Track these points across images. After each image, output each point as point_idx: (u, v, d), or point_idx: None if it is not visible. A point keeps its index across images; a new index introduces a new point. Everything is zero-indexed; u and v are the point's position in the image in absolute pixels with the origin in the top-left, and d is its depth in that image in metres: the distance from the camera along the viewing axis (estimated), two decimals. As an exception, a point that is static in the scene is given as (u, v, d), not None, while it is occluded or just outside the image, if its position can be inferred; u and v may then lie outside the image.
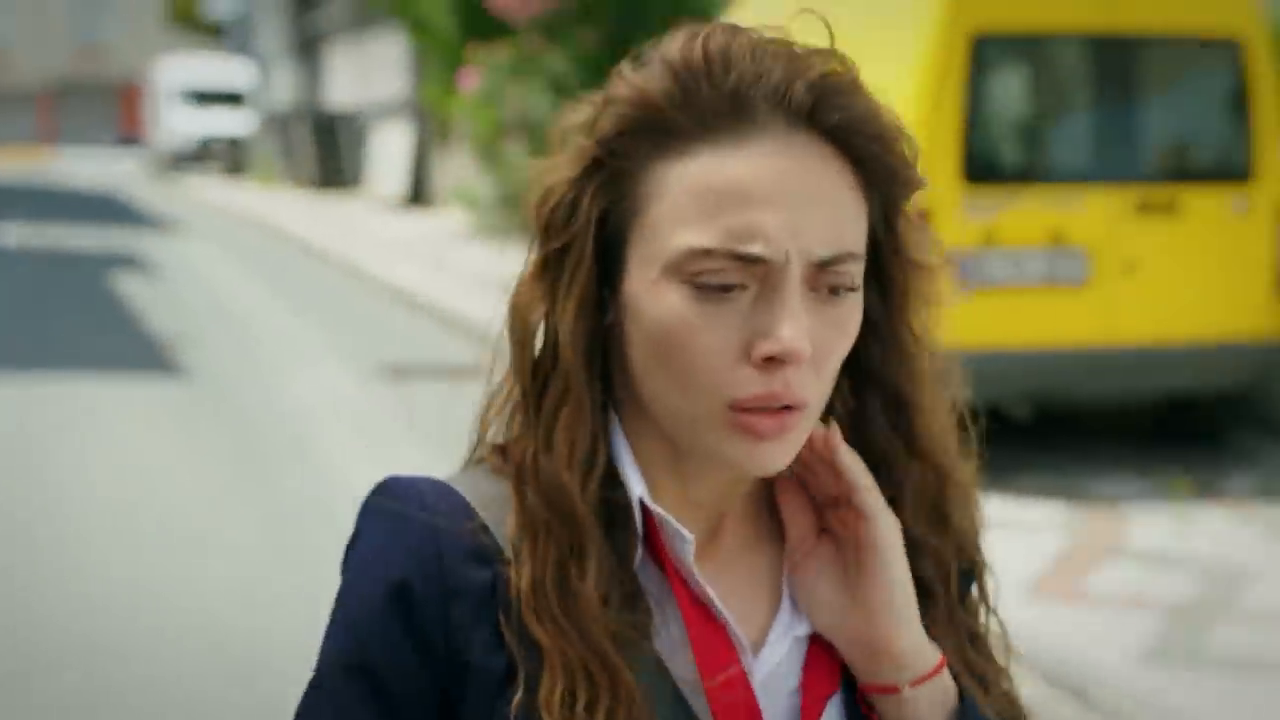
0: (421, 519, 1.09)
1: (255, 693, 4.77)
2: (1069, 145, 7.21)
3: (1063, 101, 7.23)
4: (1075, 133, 7.20)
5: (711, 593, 1.12)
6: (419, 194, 24.57)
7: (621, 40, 13.11)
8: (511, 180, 14.66)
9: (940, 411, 1.18)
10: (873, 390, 1.17)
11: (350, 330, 12.71)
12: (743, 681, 1.11)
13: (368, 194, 27.85)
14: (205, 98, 41.06)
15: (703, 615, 1.11)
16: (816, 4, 1.10)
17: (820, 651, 1.15)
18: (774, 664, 1.14)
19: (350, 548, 1.13)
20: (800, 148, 1.05)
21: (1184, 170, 7.16)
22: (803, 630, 1.16)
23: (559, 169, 1.10)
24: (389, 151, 26.86)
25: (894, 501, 1.16)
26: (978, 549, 1.22)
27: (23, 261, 18.31)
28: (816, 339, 1.06)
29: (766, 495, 1.18)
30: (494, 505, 1.11)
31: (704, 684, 1.10)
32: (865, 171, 1.08)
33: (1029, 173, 6.99)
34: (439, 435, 8.36)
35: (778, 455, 1.08)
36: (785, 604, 1.16)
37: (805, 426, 1.08)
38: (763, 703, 1.12)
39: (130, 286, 15.52)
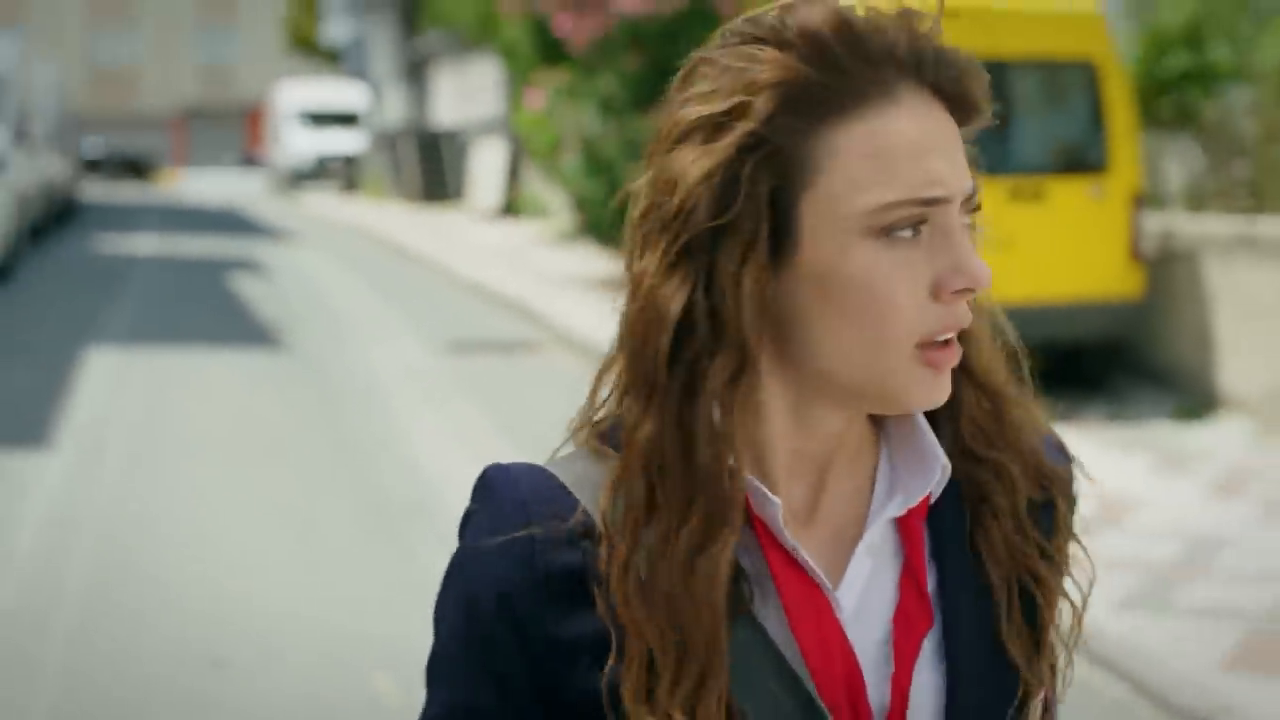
0: (514, 511, 1.15)
1: (305, 557, 6.85)
2: (955, 147, 9.04)
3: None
4: (960, 137, 9.03)
5: (804, 553, 1.15)
6: (512, 205, 26.59)
7: (663, 63, 14.95)
8: (570, 191, 16.52)
9: (988, 342, 1.22)
10: None
11: (428, 317, 14.74)
12: (838, 636, 1.15)
13: (468, 206, 29.63)
14: (322, 119, 42.81)
15: (796, 575, 1.15)
16: None
17: (911, 586, 1.18)
18: (859, 590, 1.17)
19: (460, 533, 1.20)
20: (926, 102, 1.12)
21: (1049, 165, 9.00)
22: (896, 508, 1.18)
23: (695, 160, 1.10)
24: (486, 166, 28.53)
25: (953, 423, 1.20)
26: (1057, 478, 1.24)
27: (157, 266, 20.70)
28: None
29: (864, 448, 1.21)
30: (588, 486, 1.16)
31: (798, 644, 1.14)
32: (962, 117, 1.15)
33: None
34: (488, 393, 10.51)
35: (949, 385, 1.15)
36: (868, 528, 1.17)
37: None
38: (858, 645, 1.15)
39: (246, 285, 17.75)
